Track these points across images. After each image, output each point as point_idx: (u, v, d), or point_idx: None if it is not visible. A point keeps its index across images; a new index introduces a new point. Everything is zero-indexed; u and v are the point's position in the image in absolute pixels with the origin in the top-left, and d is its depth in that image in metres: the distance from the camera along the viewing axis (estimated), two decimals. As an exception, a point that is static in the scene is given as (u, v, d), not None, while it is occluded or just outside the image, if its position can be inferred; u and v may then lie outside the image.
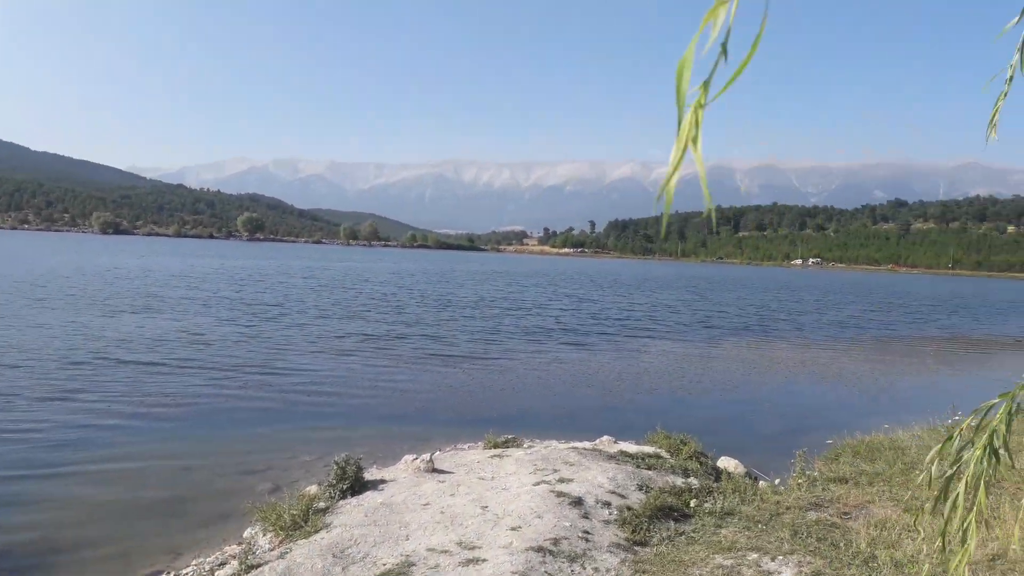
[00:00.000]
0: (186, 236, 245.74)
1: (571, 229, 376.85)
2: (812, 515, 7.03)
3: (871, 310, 47.23)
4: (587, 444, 10.12)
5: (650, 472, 8.55)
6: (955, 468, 1.88)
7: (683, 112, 0.96)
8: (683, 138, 0.97)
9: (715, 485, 8.25)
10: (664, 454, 9.51)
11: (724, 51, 0.93)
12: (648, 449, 9.72)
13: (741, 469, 9.42)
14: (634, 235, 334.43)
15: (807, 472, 8.64)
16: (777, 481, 9.00)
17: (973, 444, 1.86)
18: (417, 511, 7.03)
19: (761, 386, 17.68)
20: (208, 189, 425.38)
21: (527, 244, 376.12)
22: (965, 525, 1.84)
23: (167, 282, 40.83)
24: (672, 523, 6.93)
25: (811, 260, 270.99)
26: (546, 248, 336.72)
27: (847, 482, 8.21)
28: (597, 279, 76.33)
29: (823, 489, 7.97)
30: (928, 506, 1.96)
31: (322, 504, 7.37)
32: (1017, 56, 2.12)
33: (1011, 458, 1.84)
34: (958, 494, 1.84)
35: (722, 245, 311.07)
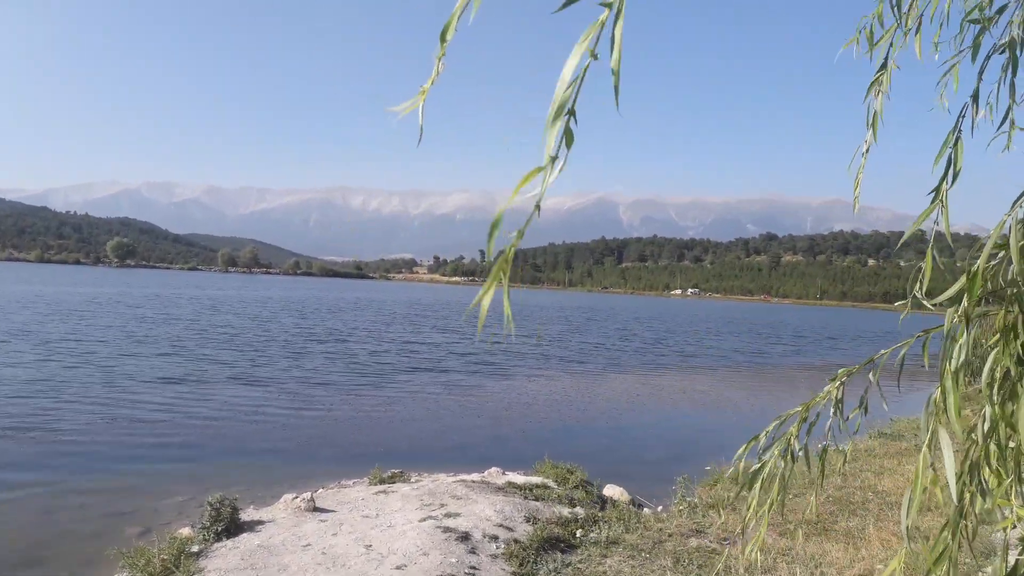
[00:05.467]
0: (50, 262, 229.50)
1: (461, 258, 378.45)
2: (693, 542, 7.21)
3: (748, 340, 49.63)
4: (475, 476, 10.02)
5: (537, 503, 8.54)
6: (759, 465, 2.07)
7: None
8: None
9: (601, 514, 8.33)
10: (551, 484, 9.55)
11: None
12: (536, 479, 9.73)
13: (626, 496, 9.57)
14: (523, 264, 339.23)
15: (688, 498, 8.89)
16: (660, 508, 9.20)
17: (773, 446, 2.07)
18: (297, 552, 6.71)
19: (644, 414, 18.14)
20: (75, 212, 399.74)
21: (417, 272, 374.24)
22: (759, 515, 2.05)
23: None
24: (559, 554, 6.93)
25: (690, 290, 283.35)
26: (436, 277, 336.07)
27: (725, 507, 8.49)
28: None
29: (703, 515, 8.20)
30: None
31: (196, 548, 6.93)
32: (869, 133, 2.31)
33: (807, 460, 2.05)
34: (755, 487, 2.05)
35: (607, 275, 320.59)
